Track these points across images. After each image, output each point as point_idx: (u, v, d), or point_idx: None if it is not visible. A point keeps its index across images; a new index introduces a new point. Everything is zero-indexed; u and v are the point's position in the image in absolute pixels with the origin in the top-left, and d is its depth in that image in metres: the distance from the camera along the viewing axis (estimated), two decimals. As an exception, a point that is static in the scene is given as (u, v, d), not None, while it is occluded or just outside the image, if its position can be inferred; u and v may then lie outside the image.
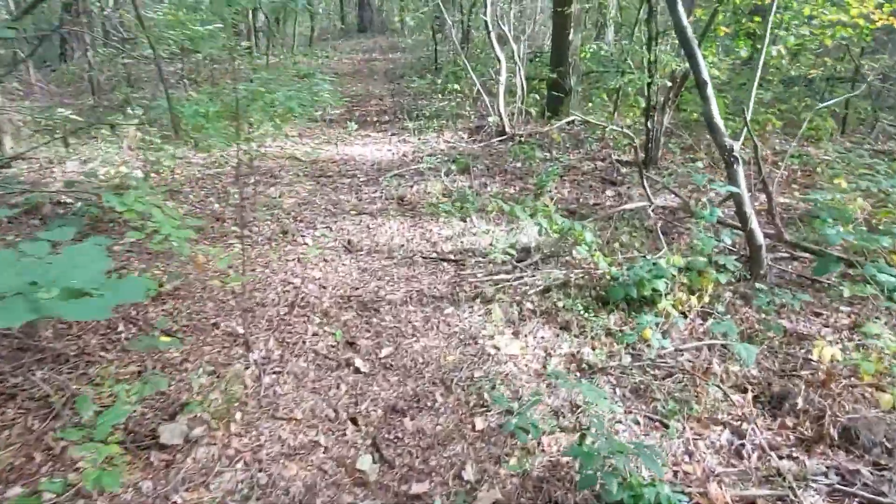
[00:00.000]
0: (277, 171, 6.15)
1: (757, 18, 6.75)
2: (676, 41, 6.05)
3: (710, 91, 3.68)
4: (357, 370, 2.98)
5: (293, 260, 4.15)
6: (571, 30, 7.42)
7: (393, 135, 7.70)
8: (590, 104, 8.02)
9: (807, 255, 4.08)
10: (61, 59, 12.48)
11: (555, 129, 7.40)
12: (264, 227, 4.66)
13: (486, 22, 6.49)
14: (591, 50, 6.41)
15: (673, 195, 4.93)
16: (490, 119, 7.07)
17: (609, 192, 5.42)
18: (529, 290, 3.65)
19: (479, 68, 9.58)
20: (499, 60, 6.69)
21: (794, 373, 2.99)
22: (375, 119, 8.61)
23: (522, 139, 6.91)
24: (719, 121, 3.70)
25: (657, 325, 3.14)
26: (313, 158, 6.59)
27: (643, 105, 5.26)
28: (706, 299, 3.46)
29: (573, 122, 7.65)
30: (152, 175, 5.42)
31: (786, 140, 6.85)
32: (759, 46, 5.73)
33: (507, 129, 7.04)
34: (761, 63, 3.73)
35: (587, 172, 5.91)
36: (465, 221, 4.77)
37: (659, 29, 5.23)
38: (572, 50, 7.57)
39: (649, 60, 5.24)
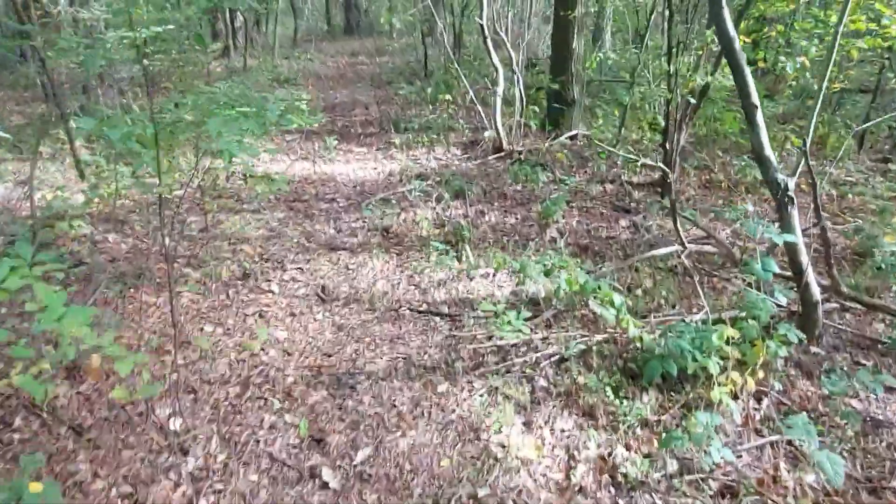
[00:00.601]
0: (245, 193, 5.42)
1: (780, 27, 6.14)
2: (695, 52, 5.42)
3: (759, 117, 3.03)
4: (324, 485, 2.28)
5: (254, 314, 3.44)
6: (575, 35, 6.76)
7: (378, 150, 7.00)
8: (597, 119, 7.38)
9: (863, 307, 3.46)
10: (21, 61, 11.63)
11: (556, 144, 6.74)
12: (222, 268, 3.94)
13: (481, 26, 5.82)
14: (599, 58, 5.77)
15: (703, 235, 4.27)
16: (486, 133, 6.40)
17: (623, 223, 4.76)
18: (542, 360, 2.97)
19: (473, 76, 8.91)
20: (495, 69, 6.02)
21: (884, 483, 2.34)
22: (360, 131, 7.90)
23: (522, 156, 6.24)
24: (770, 153, 3.05)
25: (710, 421, 2.47)
26: (288, 178, 5.88)
27: (661, 123, 4.62)
28: (760, 374, 2.81)
29: (576, 136, 7.01)
30: (95, 201, 4.67)
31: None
32: (782, 58, 5.11)
33: (505, 145, 6.37)
34: (827, 77, 3.08)
35: (596, 198, 5.25)
36: (460, 261, 4.09)
37: (680, 38, 4.59)
38: (575, 57, 6.92)
39: (669, 73, 4.60)
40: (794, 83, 6.73)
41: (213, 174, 5.51)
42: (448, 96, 7.06)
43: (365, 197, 5.42)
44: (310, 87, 11.05)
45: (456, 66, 7.10)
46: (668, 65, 4.49)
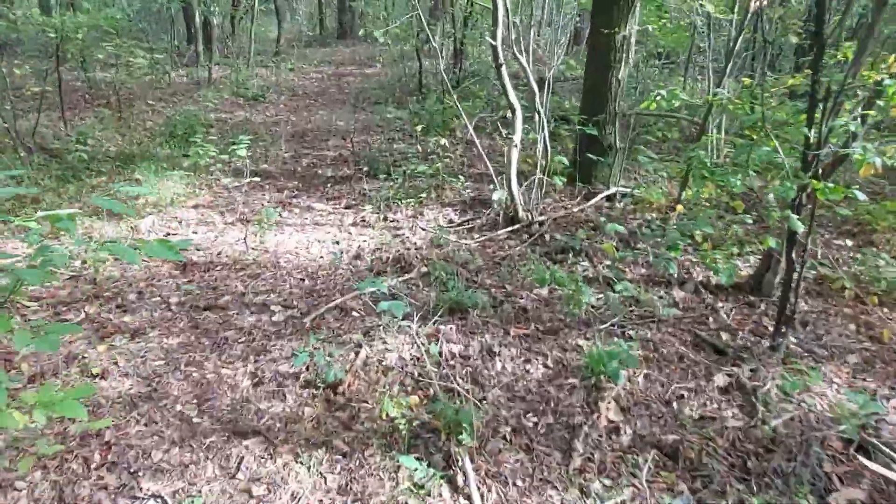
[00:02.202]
0: (115, 293, 3.59)
1: None
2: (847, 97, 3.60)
3: None
4: None
5: None
6: (619, 62, 4.97)
7: (348, 208, 5.17)
8: (642, 170, 5.58)
9: None
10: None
11: (590, 207, 4.95)
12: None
13: (493, 49, 4.01)
14: (660, 96, 3.96)
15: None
16: (495, 196, 4.58)
17: (719, 380, 2.94)
18: None
19: (476, 106, 7.10)
20: (512, 109, 4.21)
21: None
22: (329, 175, 6.07)
23: (545, 232, 4.43)
24: None
25: None
26: (202, 259, 4.05)
27: (790, 216, 2.76)
28: None
29: (614, 196, 5.21)
30: None
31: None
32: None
33: (521, 213, 4.56)
34: None
35: (665, 321, 3.42)
36: (454, 492, 2.26)
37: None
38: (617, 90, 5.12)
39: (808, 137, 2.76)
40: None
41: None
42: (443, 141, 5.25)
43: (314, 302, 3.61)
44: (281, 107, 9.23)
45: (454, 100, 5.27)
46: (809, 125, 2.67)
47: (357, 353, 3.08)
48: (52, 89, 6.92)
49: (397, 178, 5.36)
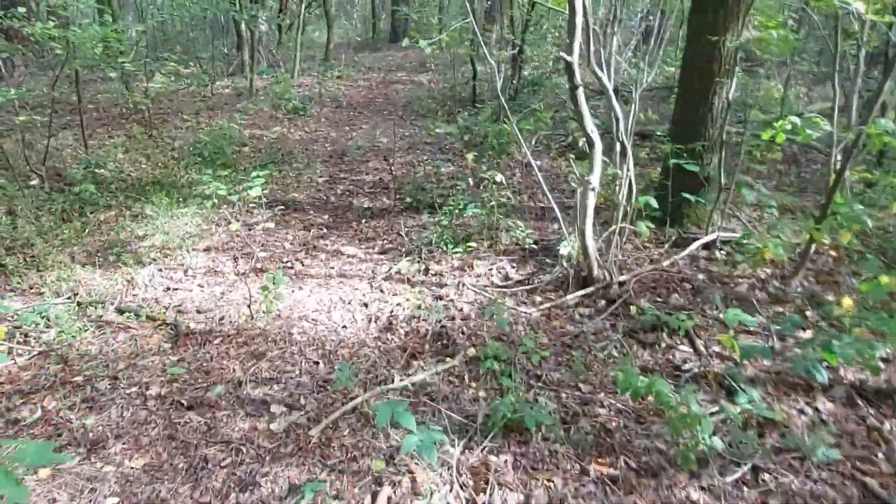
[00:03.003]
0: (86, 379, 2.85)
1: None
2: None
3: None
4: None
5: None
6: (728, 76, 3.91)
7: (383, 254, 4.32)
8: (748, 207, 4.49)
9: None
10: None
11: (684, 257, 3.93)
12: None
13: (568, 66, 3.02)
14: (795, 122, 2.91)
15: None
16: (562, 249, 3.62)
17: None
18: None
19: (539, 120, 6.15)
20: (590, 143, 3.22)
21: None
22: (365, 206, 5.26)
23: (628, 301, 3.44)
24: None
25: None
26: (201, 327, 3.28)
27: None
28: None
29: (714, 244, 4.15)
30: None
31: None
32: None
33: (597, 272, 3.58)
34: None
35: (821, 466, 2.38)
36: None
37: None
38: (721, 112, 4.07)
39: None
40: None
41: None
42: (499, 177, 4.31)
43: (327, 399, 2.77)
44: (322, 120, 8.54)
45: (513, 125, 4.31)
46: None
47: (375, 497, 2.21)
48: (89, 106, 6.44)
49: (444, 217, 4.47)
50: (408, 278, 3.90)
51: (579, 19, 2.96)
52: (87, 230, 4.44)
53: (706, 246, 4.19)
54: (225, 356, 3.13)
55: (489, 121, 7.09)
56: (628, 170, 3.57)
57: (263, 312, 3.47)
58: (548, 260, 4.07)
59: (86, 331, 3.24)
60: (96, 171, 5.64)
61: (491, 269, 3.97)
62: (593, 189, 3.36)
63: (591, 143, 3.33)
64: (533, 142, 6.13)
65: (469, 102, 8.67)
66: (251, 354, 3.13)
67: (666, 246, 4.24)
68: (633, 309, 3.37)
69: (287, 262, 4.17)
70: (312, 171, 6.19)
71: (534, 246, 4.09)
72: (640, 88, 3.86)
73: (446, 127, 7.37)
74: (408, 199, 5.20)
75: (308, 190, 5.69)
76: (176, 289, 3.77)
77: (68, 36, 4.48)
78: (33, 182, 5.24)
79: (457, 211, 4.55)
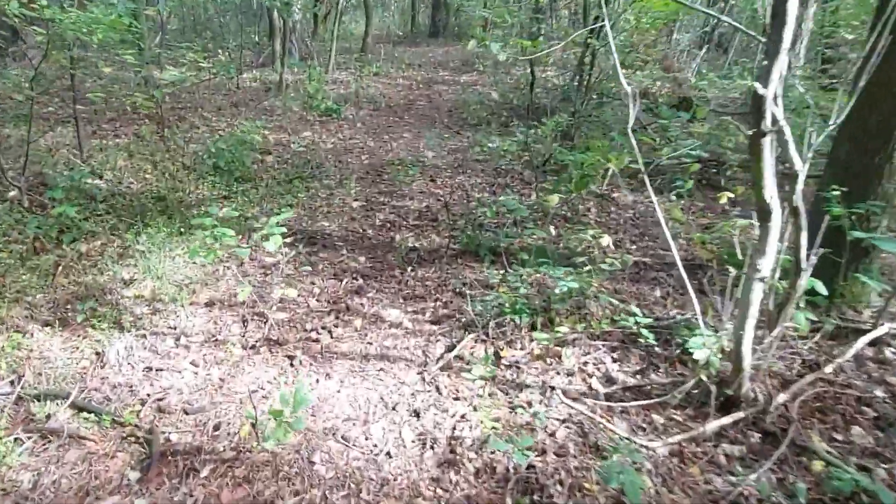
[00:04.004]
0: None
1: None
2: None
3: None
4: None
5: None
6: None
7: (436, 324, 3.27)
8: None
9: None
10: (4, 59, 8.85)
11: (848, 359, 2.84)
12: None
13: (756, 100, 1.94)
14: None
15: None
16: (699, 355, 2.54)
17: None
18: None
19: (618, 159, 5.05)
20: (765, 212, 2.12)
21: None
22: (410, 248, 4.22)
23: (794, 431, 2.36)
24: None
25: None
26: (185, 442, 2.29)
27: None
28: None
29: (881, 339, 3.03)
30: None
31: None
32: None
33: (747, 389, 2.49)
34: None
35: None
36: None
37: None
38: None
39: None
40: None
41: None
42: (606, 240, 3.21)
43: None
44: (359, 125, 7.54)
45: (637, 154, 3.22)
46: None
47: None
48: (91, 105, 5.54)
49: (514, 278, 3.41)
50: (470, 367, 2.86)
51: (789, 32, 1.87)
52: (60, 267, 3.49)
53: (873, 343, 3.07)
54: (215, 499, 2.13)
55: (554, 132, 6.00)
56: (804, 248, 2.47)
57: (283, 421, 2.46)
58: (658, 349, 3.00)
59: (21, 446, 2.27)
60: (90, 181, 4.73)
61: (585, 363, 2.91)
62: (762, 279, 2.28)
63: (765, 213, 2.24)
64: (611, 172, 5.03)
65: (527, 113, 7.59)
66: (252, 502, 2.13)
67: (818, 336, 3.13)
68: (812, 461, 2.28)
69: (311, 330, 3.16)
70: (346, 192, 5.18)
71: (643, 331, 3.02)
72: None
73: (502, 141, 6.31)
74: (463, 238, 4.16)
75: (340, 217, 4.68)
76: (160, 369, 2.79)
77: (53, 18, 3.51)
78: (11, 194, 4.33)
79: (528, 267, 3.49)
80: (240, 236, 4.01)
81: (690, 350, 2.65)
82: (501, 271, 3.74)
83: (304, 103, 7.89)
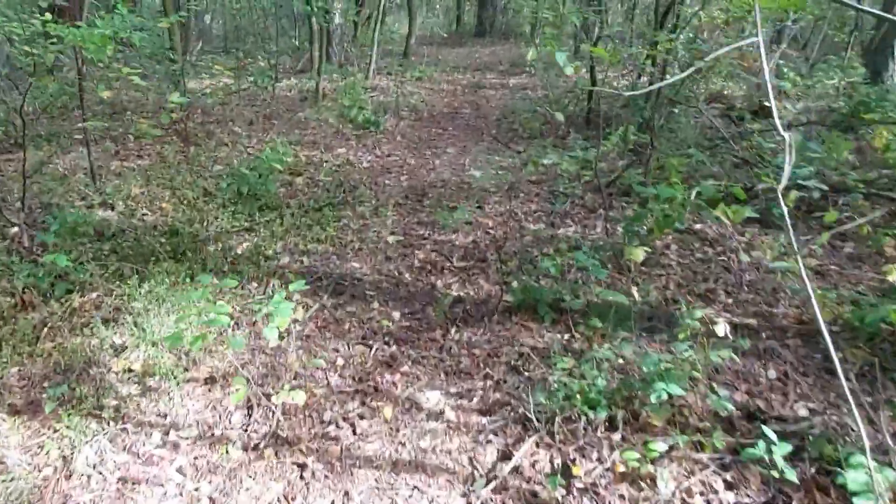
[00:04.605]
0: None
1: None
2: None
3: None
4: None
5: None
6: None
7: (486, 414, 2.58)
8: None
9: None
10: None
11: None
12: None
13: None
14: None
15: None
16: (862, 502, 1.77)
17: None
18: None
19: (707, 193, 4.28)
20: None
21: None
22: (455, 299, 3.52)
23: None
24: None
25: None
26: None
27: None
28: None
29: None
30: None
31: None
32: None
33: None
34: None
35: None
36: None
37: None
38: None
39: None
40: None
41: None
42: (722, 328, 2.43)
43: None
44: (398, 139, 6.93)
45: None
46: None
47: None
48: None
49: (586, 364, 2.68)
50: (535, 489, 2.16)
51: None
52: (46, 329, 2.99)
53: None
54: None
55: (619, 153, 5.23)
56: None
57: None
58: (785, 466, 2.21)
59: None
60: (101, 212, 4.28)
61: (689, 489, 2.16)
62: None
63: None
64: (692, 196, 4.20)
65: (584, 122, 6.80)
66: None
67: None
68: None
69: (330, 422, 2.53)
70: (381, 223, 4.55)
71: (779, 460, 2.23)
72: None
73: (557, 156, 5.55)
74: (516, 290, 3.45)
75: (374, 257, 4.05)
76: (137, 482, 2.21)
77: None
78: (13, 230, 3.90)
79: (609, 354, 2.74)
80: (253, 282, 3.44)
81: (846, 487, 1.88)
82: (566, 336, 3.02)
83: (340, 114, 7.33)
